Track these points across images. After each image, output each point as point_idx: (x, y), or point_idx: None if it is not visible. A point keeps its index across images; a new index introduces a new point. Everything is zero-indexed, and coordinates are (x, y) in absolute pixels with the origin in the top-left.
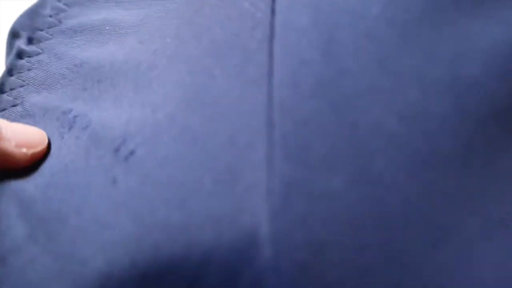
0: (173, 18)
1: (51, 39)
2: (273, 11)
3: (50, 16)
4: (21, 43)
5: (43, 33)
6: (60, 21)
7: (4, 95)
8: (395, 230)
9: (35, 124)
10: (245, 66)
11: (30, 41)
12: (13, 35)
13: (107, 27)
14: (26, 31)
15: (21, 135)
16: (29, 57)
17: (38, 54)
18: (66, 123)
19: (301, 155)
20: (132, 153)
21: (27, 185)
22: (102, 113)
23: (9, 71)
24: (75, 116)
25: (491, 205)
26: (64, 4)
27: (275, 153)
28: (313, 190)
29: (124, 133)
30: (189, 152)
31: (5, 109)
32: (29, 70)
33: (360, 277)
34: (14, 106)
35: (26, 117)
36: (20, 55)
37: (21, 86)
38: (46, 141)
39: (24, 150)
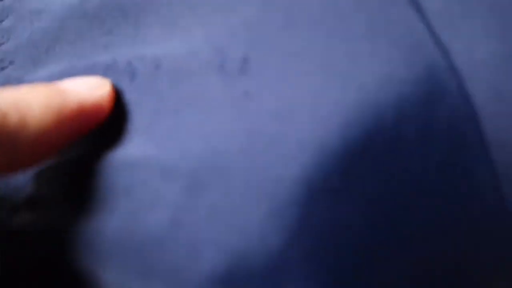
0: None
1: None
2: None
3: None
4: None
5: None
6: None
7: None
8: None
9: None
10: None
11: None
12: None
13: None
14: None
15: (83, 81)
16: None
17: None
18: (120, 73)
19: None
20: (245, 61)
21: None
22: (162, 45)
23: None
24: (129, 62)
25: None
26: None
27: None
28: None
29: (218, 48)
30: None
31: None
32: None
33: None
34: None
35: None
36: None
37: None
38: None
39: (98, 91)
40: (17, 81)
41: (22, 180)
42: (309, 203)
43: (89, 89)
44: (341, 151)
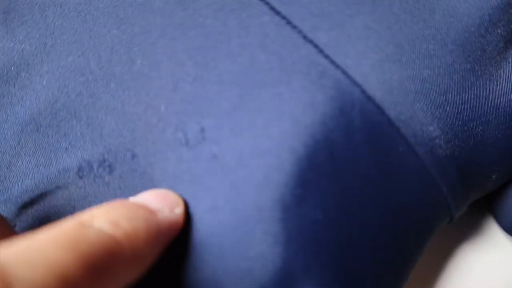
0: None
1: None
2: None
3: None
4: None
5: None
6: None
7: None
8: None
9: None
10: None
11: None
12: None
13: None
14: None
15: (163, 198)
16: None
17: None
18: (96, 171)
19: None
20: (203, 130)
21: None
22: (125, 135)
23: None
24: (102, 160)
25: None
26: None
27: None
28: None
29: (177, 126)
30: None
31: None
32: None
33: None
34: None
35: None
36: None
37: None
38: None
39: (177, 210)
40: None
41: None
42: (288, 216)
43: (170, 210)
44: (295, 169)
